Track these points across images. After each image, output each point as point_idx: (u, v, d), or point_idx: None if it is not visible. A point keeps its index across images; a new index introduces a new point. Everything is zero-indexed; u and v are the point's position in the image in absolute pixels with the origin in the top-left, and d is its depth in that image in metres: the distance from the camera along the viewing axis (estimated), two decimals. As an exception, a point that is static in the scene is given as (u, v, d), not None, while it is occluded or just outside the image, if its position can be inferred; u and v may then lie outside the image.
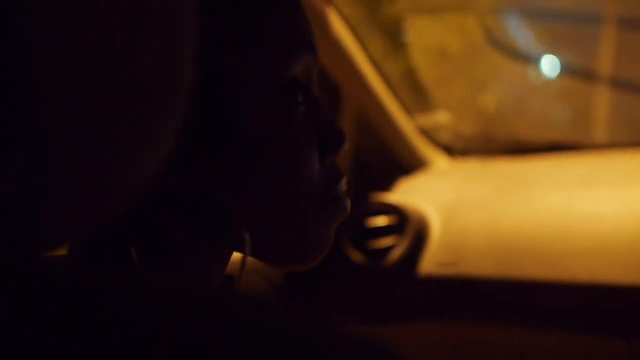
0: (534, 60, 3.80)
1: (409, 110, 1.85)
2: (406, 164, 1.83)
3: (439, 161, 1.91)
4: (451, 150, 1.97)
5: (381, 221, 1.60)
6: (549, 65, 3.71)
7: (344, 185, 0.60)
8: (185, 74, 0.34)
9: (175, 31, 0.33)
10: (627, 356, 1.32)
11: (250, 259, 0.57)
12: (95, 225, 0.34)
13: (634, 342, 1.31)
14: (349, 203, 0.60)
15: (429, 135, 1.94)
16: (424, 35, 3.72)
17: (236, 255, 0.59)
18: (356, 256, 1.55)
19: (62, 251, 0.56)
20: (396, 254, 1.53)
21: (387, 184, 1.77)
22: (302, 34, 0.56)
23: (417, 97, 2.73)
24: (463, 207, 1.60)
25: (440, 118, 2.15)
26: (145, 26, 0.31)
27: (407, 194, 1.72)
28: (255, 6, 0.54)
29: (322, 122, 0.59)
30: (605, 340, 1.34)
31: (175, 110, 0.34)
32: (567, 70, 3.75)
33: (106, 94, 0.30)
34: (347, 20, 1.59)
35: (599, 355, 1.36)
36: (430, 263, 1.51)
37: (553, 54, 3.75)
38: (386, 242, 1.56)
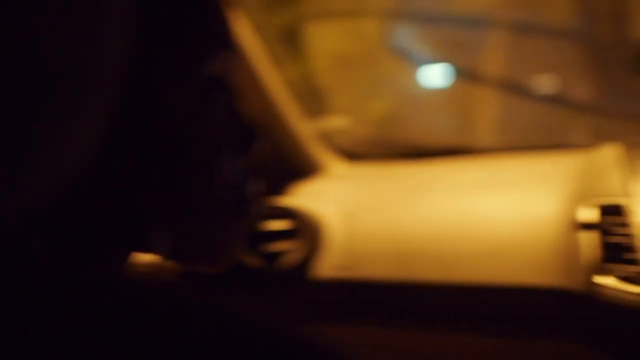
0: (430, 66, 3.88)
1: (306, 115, 1.84)
2: (302, 168, 1.81)
3: (336, 165, 1.90)
4: (349, 154, 1.97)
5: (276, 225, 1.57)
6: (444, 70, 3.80)
7: (253, 186, 0.60)
8: (109, 70, 0.36)
9: (102, 28, 0.35)
10: (524, 357, 1.34)
11: (154, 260, 0.56)
12: (27, 214, 0.35)
13: (530, 342, 1.33)
14: (259, 205, 0.60)
15: (326, 139, 1.93)
16: (321, 40, 3.73)
17: (145, 256, 0.57)
18: (251, 260, 1.52)
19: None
20: (291, 257, 1.51)
21: (282, 188, 1.75)
22: (219, 32, 0.56)
23: (315, 101, 2.74)
24: (361, 210, 1.60)
25: (338, 122, 2.16)
26: (74, 24, 0.33)
27: (302, 197, 1.71)
28: (172, 5, 0.52)
29: (236, 121, 0.58)
30: (502, 342, 1.36)
31: (100, 104, 0.35)
32: (460, 74, 3.84)
33: (43, 86, 0.31)
34: (248, 23, 1.56)
35: (497, 357, 1.37)
36: (328, 266, 1.49)
37: (448, 59, 3.84)
38: (281, 245, 1.54)
